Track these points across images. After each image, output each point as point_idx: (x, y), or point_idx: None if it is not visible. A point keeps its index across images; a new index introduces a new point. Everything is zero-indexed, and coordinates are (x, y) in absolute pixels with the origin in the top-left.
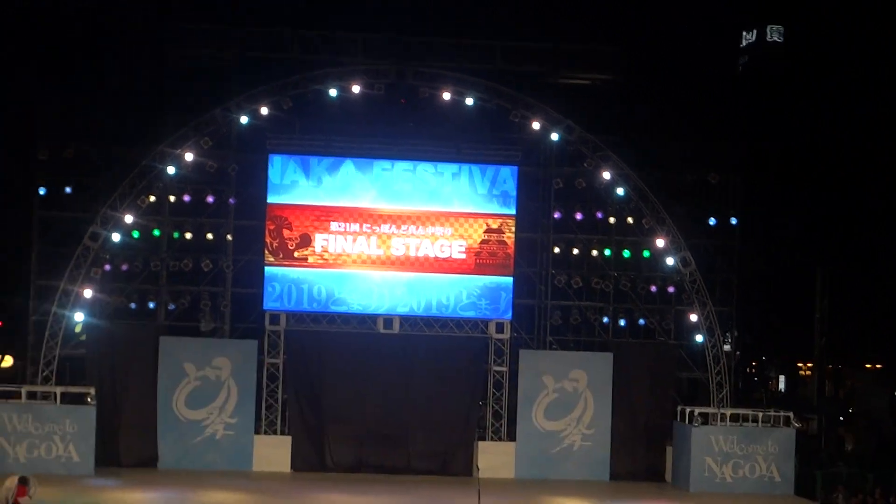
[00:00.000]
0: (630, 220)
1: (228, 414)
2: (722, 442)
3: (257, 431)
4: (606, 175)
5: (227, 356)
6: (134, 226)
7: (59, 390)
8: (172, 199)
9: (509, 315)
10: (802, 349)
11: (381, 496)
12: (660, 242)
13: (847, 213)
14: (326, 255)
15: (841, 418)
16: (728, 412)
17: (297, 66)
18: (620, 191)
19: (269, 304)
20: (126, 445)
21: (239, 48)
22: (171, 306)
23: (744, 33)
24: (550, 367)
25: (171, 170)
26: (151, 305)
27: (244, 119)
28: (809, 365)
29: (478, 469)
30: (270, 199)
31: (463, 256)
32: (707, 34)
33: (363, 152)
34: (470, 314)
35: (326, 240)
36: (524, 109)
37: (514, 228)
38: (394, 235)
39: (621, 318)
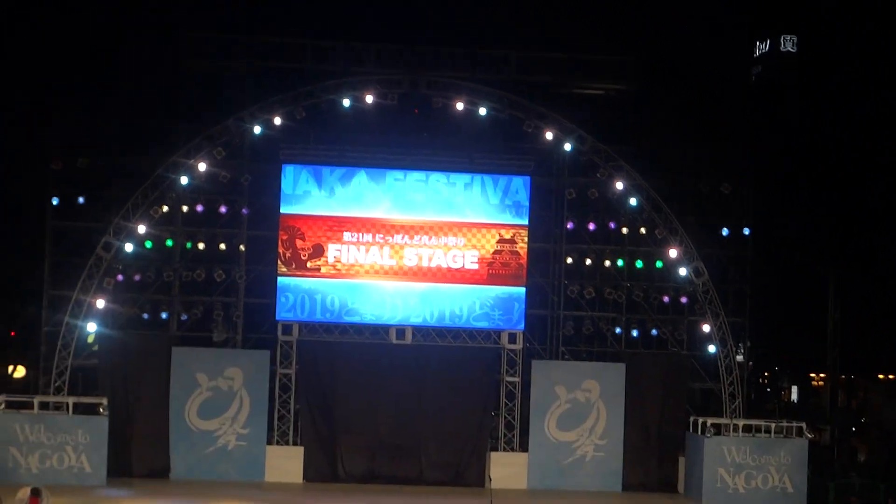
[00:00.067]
0: (643, 230)
1: (241, 424)
2: (734, 453)
3: (269, 442)
4: (619, 185)
5: (239, 366)
6: (147, 236)
7: (71, 401)
8: (185, 209)
9: (522, 325)
10: (815, 359)
11: None
12: (672, 253)
13: (860, 223)
14: (339, 266)
15: (854, 429)
16: (741, 423)
17: (310, 76)
18: (633, 201)
19: (282, 314)
20: (138, 456)
21: (252, 58)
22: (184, 317)
23: (757, 43)
24: (563, 378)
25: (184, 180)
26: (164, 316)
27: (257, 129)
28: (822, 375)
29: (490, 480)
30: (283, 210)
31: (476, 267)
32: (720, 44)
33: (376, 162)
34: (483, 325)
35: (339, 250)
36: (537, 119)
37: (526, 239)
38: (406, 246)
39: (634, 328)
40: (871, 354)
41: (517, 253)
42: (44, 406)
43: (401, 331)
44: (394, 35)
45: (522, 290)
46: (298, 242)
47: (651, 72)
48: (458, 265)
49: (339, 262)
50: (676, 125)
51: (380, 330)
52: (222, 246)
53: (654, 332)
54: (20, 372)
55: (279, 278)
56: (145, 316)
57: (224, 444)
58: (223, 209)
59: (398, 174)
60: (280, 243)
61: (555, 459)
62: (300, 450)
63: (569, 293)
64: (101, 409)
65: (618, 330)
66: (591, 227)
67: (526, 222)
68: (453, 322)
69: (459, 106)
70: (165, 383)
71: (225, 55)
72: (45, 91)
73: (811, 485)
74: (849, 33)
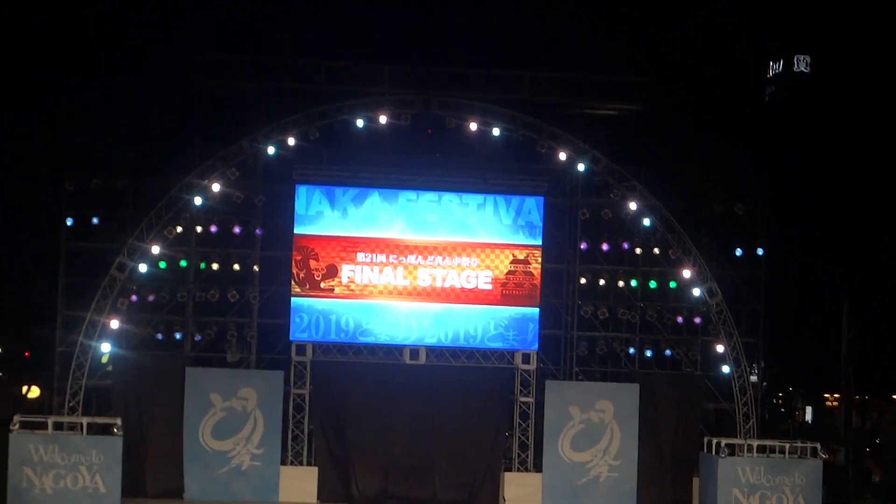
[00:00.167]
0: (656, 250)
1: (255, 444)
2: (749, 473)
3: (283, 462)
4: (633, 205)
5: (253, 387)
6: (161, 256)
7: (85, 421)
8: (199, 229)
9: (536, 346)
10: (829, 380)
11: None
12: (686, 273)
13: (874, 243)
14: (353, 286)
15: (868, 450)
16: (755, 443)
17: (323, 97)
18: (647, 221)
19: (296, 334)
20: (152, 476)
21: (266, 79)
22: (198, 337)
23: (771, 63)
24: (577, 398)
25: (197, 200)
26: (178, 336)
27: (271, 150)
28: (836, 396)
29: (504, 500)
30: (297, 230)
31: (489, 287)
32: (734, 64)
33: (389, 183)
34: (497, 345)
35: (353, 270)
36: (551, 140)
37: (540, 259)
38: (420, 266)
39: (648, 348)
40: (885, 375)
41: (531, 273)
42: (58, 426)
43: (414, 351)
44: (407, 56)
45: (536, 310)
46: (312, 263)
47: (665, 92)
48: (471, 286)
49: (352, 282)
50: (690, 145)
51: (393, 350)
52: (236, 266)
53: (667, 352)
54: (34, 392)
55: (293, 299)
56: (159, 336)
57: (238, 464)
58: (237, 230)
59: (411, 194)
60: (294, 264)
61: (569, 480)
62: (314, 470)
63: (582, 313)
64: (115, 430)
65: (631, 350)
66: (605, 247)
67: (539, 243)
68: (468, 342)
69: (473, 126)
70: (179, 404)
71: (239, 76)
72: (59, 112)
73: None
74: (862, 54)
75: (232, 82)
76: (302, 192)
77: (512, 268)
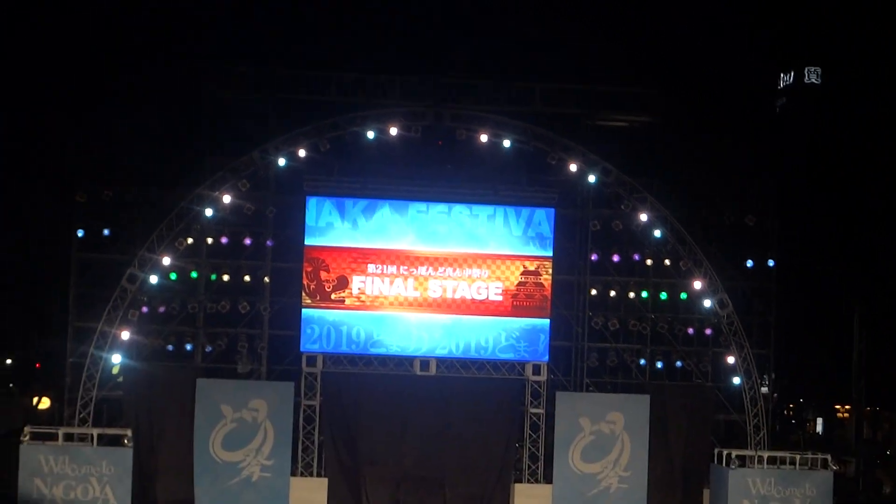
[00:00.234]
0: (667, 262)
1: (265, 456)
2: (759, 484)
3: (293, 473)
4: (643, 217)
5: (263, 398)
6: (171, 268)
7: (96, 432)
8: (210, 241)
9: (547, 357)
10: (840, 391)
11: None
12: (697, 284)
13: (885, 254)
14: (363, 298)
15: (879, 461)
16: (765, 454)
17: (335, 108)
18: (657, 233)
19: (307, 345)
20: (162, 487)
21: (277, 90)
22: (209, 348)
23: (781, 75)
24: (587, 410)
25: (208, 212)
26: (189, 347)
27: (282, 161)
28: (847, 407)
29: None
30: (308, 242)
31: (500, 298)
32: (744, 76)
33: (399, 194)
34: (509, 356)
35: (363, 282)
36: (562, 151)
37: (550, 270)
38: (431, 277)
39: (658, 360)
40: None
41: (541, 285)
42: (68, 437)
43: (425, 362)
44: (418, 67)
45: (547, 321)
46: (323, 274)
47: (675, 104)
48: (482, 297)
49: (363, 293)
50: (701, 157)
51: (404, 361)
52: (247, 278)
53: (678, 363)
54: (45, 403)
55: (304, 310)
56: (170, 347)
57: (248, 475)
58: (248, 241)
59: (421, 206)
60: (305, 275)
61: (579, 491)
62: (324, 481)
63: (593, 325)
64: (126, 441)
65: (642, 361)
66: (616, 258)
67: (550, 254)
68: (479, 354)
69: (484, 138)
70: (190, 415)
71: (250, 88)
72: (70, 124)
73: None
74: (872, 65)
75: (243, 94)
76: (312, 203)
77: (522, 279)
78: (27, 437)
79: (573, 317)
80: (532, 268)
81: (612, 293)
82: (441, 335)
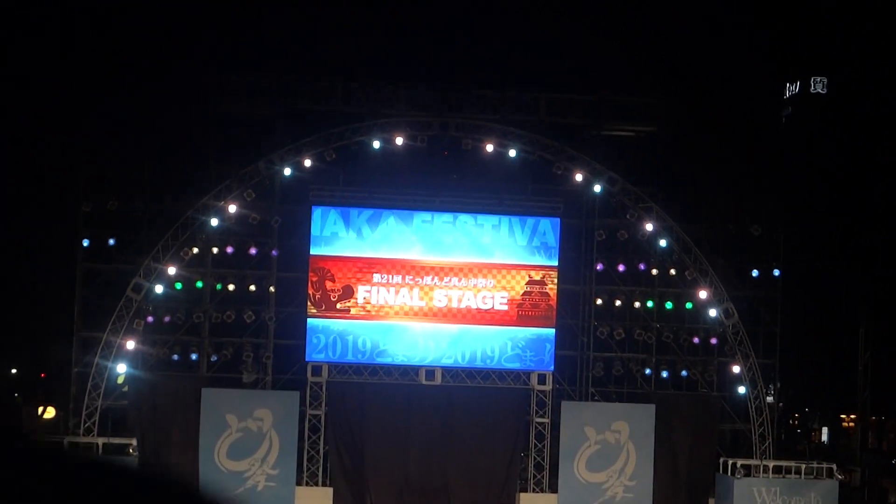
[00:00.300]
0: (673, 271)
1: (270, 465)
2: (765, 494)
3: (299, 483)
4: (649, 227)
5: (268, 407)
6: (177, 278)
7: (101, 441)
8: (215, 251)
9: (552, 367)
10: (845, 401)
11: None
12: (702, 294)
13: (891, 264)
14: (369, 307)
15: (885, 470)
16: (771, 464)
17: (340, 118)
18: (663, 242)
19: (313, 355)
20: None
21: (283, 100)
22: (214, 358)
23: (787, 85)
24: (592, 419)
25: (214, 222)
26: (194, 357)
27: (287, 171)
28: (853, 416)
29: None
30: (313, 251)
31: (505, 308)
32: (750, 85)
33: (404, 204)
34: (515, 366)
35: (369, 291)
36: (567, 161)
37: (556, 280)
38: (436, 287)
39: (664, 369)
40: None
41: (547, 294)
42: (74, 447)
43: (430, 371)
44: (424, 77)
45: (552, 331)
46: (328, 284)
47: (681, 113)
48: (487, 306)
49: (368, 303)
50: (706, 166)
51: (409, 371)
52: (252, 287)
53: (683, 373)
54: (50, 413)
55: (309, 320)
56: (175, 357)
57: (253, 484)
58: (253, 251)
59: (426, 216)
60: (310, 284)
61: (584, 501)
62: (329, 491)
63: (598, 334)
64: (131, 450)
65: (647, 371)
66: (621, 268)
67: (555, 263)
68: (485, 363)
69: (489, 148)
70: (195, 424)
71: (255, 97)
72: (75, 133)
73: None
74: (879, 75)
75: (248, 103)
76: (317, 213)
77: (528, 289)
78: None
79: (578, 326)
80: (537, 277)
81: (618, 302)
82: (447, 345)
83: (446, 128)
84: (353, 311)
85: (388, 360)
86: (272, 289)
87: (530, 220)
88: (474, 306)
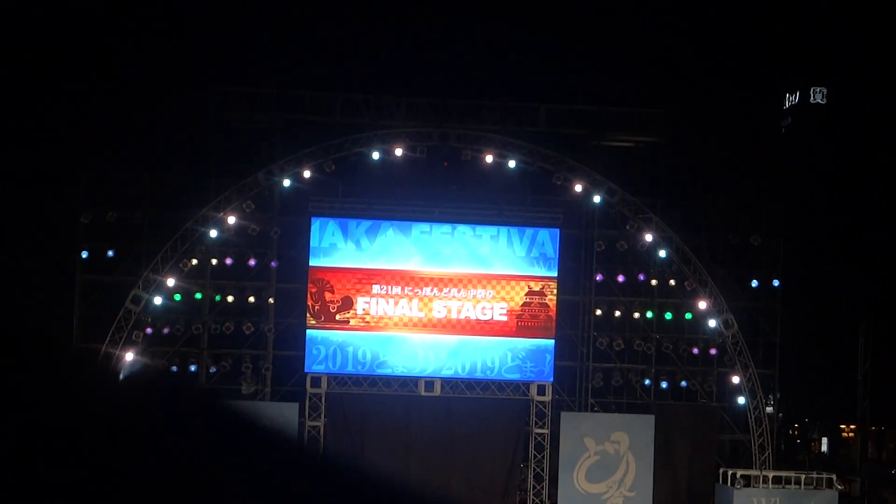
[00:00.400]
0: (672, 282)
1: None
2: None
3: None
4: (648, 237)
5: (268, 419)
6: (176, 289)
7: None
8: (214, 262)
9: (552, 377)
10: (845, 411)
11: None
12: (702, 304)
13: (890, 274)
14: (368, 318)
15: (884, 480)
16: (770, 474)
17: (339, 129)
18: (662, 253)
19: (313, 366)
20: None
21: (282, 111)
22: (213, 369)
23: (787, 95)
24: (592, 430)
25: (213, 233)
26: (193, 368)
27: (287, 182)
28: (852, 427)
29: None
30: (312, 263)
31: (504, 319)
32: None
33: (404, 215)
34: (515, 377)
35: (368, 302)
36: (567, 172)
37: (555, 291)
38: (435, 298)
39: (663, 380)
40: None
41: (546, 305)
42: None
43: (430, 382)
44: (423, 88)
45: (552, 341)
46: (327, 295)
47: (681, 124)
48: (487, 317)
49: (367, 314)
50: (706, 177)
51: (408, 382)
52: (251, 299)
53: (683, 383)
54: None
55: (309, 331)
56: (174, 368)
57: None
58: (252, 262)
59: (424, 226)
60: (309, 296)
61: None
62: None
63: (598, 345)
64: None
65: (647, 381)
66: (621, 278)
67: (555, 274)
68: (485, 374)
69: (489, 159)
70: None
71: (255, 108)
72: (74, 145)
73: None
74: (878, 85)
75: (248, 115)
76: (316, 224)
77: (527, 299)
78: None
79: (578, 337)
80: (537, 288)
81: (617, 313)
82: (447, 356)
83: (446, 138)
84: (352, 322)
85: (387, 372)
86: (271, 300)
87: (529, 231)
88: (473, 317)
